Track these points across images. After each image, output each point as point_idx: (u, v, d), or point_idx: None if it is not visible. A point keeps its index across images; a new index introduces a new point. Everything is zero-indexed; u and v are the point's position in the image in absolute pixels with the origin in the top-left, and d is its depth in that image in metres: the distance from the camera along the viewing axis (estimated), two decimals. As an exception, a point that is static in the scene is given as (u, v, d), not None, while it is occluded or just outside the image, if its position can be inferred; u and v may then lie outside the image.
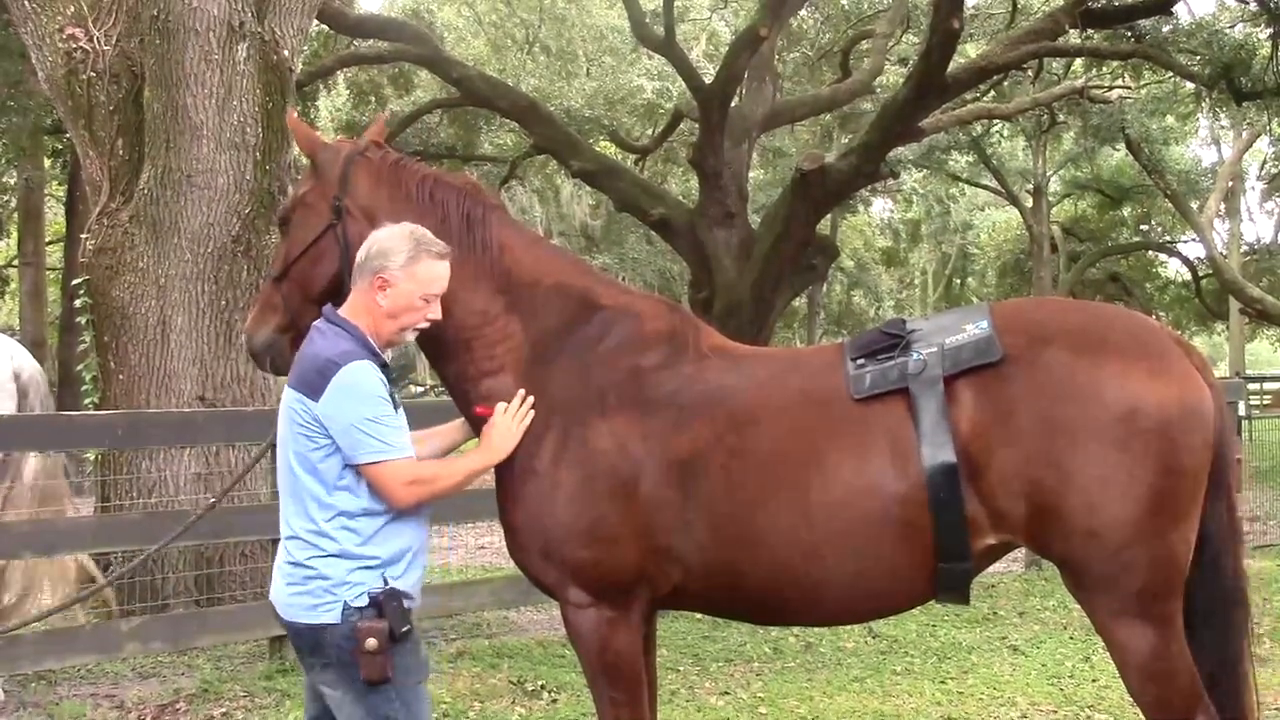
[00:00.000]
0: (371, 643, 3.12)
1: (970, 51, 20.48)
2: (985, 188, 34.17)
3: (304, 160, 3.85)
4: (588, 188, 23.69)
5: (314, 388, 3.18)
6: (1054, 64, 21.22)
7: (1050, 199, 32.94)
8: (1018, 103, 21.44)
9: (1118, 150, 28.15)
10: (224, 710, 5.98)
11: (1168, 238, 34.96)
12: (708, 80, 16.76)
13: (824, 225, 22.66)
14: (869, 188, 23.89)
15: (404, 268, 3.25)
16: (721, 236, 15.96)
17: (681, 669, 6.71)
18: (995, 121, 23.72)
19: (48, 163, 21.42)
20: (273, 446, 3.37)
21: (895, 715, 5.87)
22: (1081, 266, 33.32)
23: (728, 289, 15.49)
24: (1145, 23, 16.33)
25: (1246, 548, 10.63)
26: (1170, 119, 25.33)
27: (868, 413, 3.24)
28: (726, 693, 6.27)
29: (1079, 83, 21.62)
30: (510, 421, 3.40)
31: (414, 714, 3.25)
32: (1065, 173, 33.06)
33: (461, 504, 6.10)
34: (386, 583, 3.21)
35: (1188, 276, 33.68)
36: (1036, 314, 3.38)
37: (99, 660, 6.44)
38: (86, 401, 7.98)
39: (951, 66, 13.60)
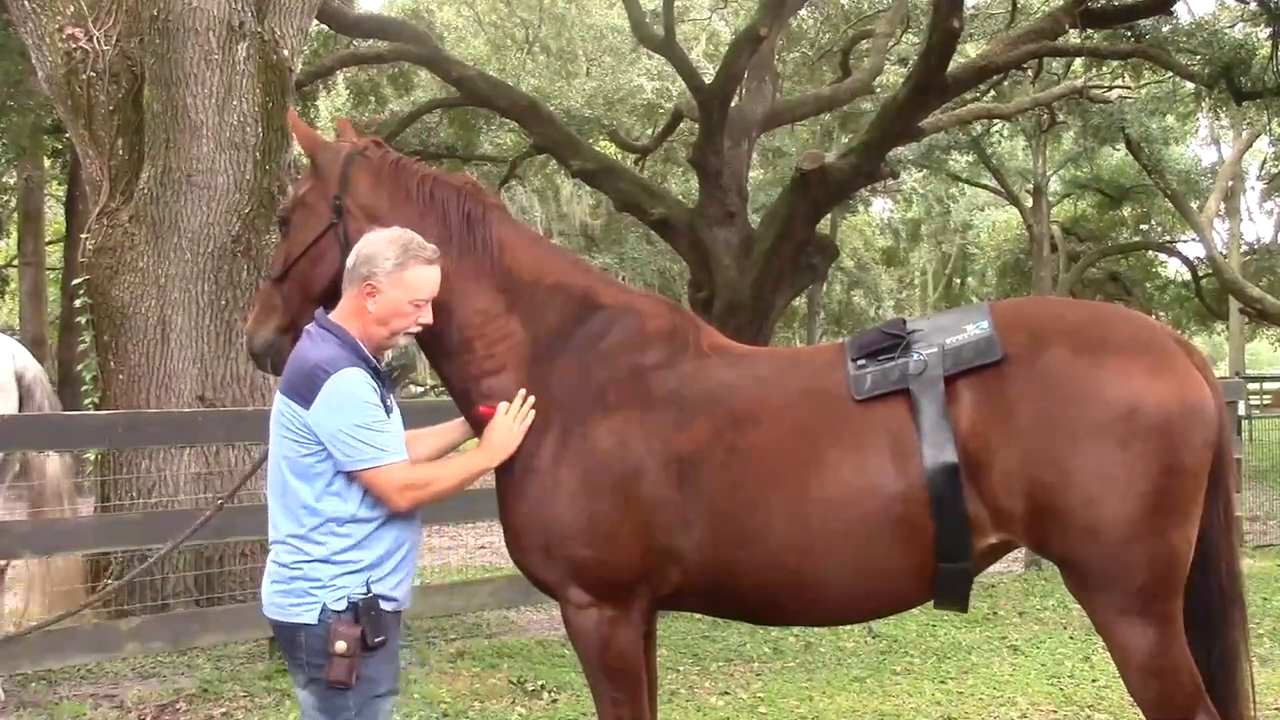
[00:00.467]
0: (341, 645, 3.14)
1: (970, 51, 20.47)
2: (985, 187, 34.16)
3: (304, 160, 3.85)
4: (588, 187, 23.67)
5: (303, 395, 3.18)
6: (1054, 64, 21.22)
7: (1050, 199, 32.92)
8: (1017, 102, 21.44)
9: (1118, 150, 28.13)
10: (224, 710, 5.98)
11: (1168, 237, 34.94)
12: (708, 80, 16.76)
13: (824, 225, 22.64)
14: (869, 187, 23.87)
15: (391, 274, 3.25)
16: (721, 236, 15.96)
17: (681, 669, 6.71)
18: (995, 121, 23.72)
19: (48, 162, 21.42)
20: (270, 449, 3.38)
21: (895, 715, 5.87)
22: (1081, 266, 33.30)
23: (728, 288, 15.49)
24: (1145, 22, 16.33)
25: (1246, 547, 10.69)
26: (1170, 119, 25.32)
27: (868, 413, 3.24)
28: (726, 692, 6.27)
29: (1079, 82, 21.65)
30: (511, 422, 3.40)
31: None
32: (1065, 172, 33.04)
33: (461, 504, 6.09)
34: (369, 588, 3.22)
35: (1188, 276, 33.66)
36: (1037, 313, 3.38)
37: (99, 660, 6.43)
38: (86, 401, 7.98)
39: (951, 66, 13.60)
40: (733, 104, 16.62)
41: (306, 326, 3.34)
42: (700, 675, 6.61)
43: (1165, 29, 16.94)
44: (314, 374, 3.18)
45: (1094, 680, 6.42)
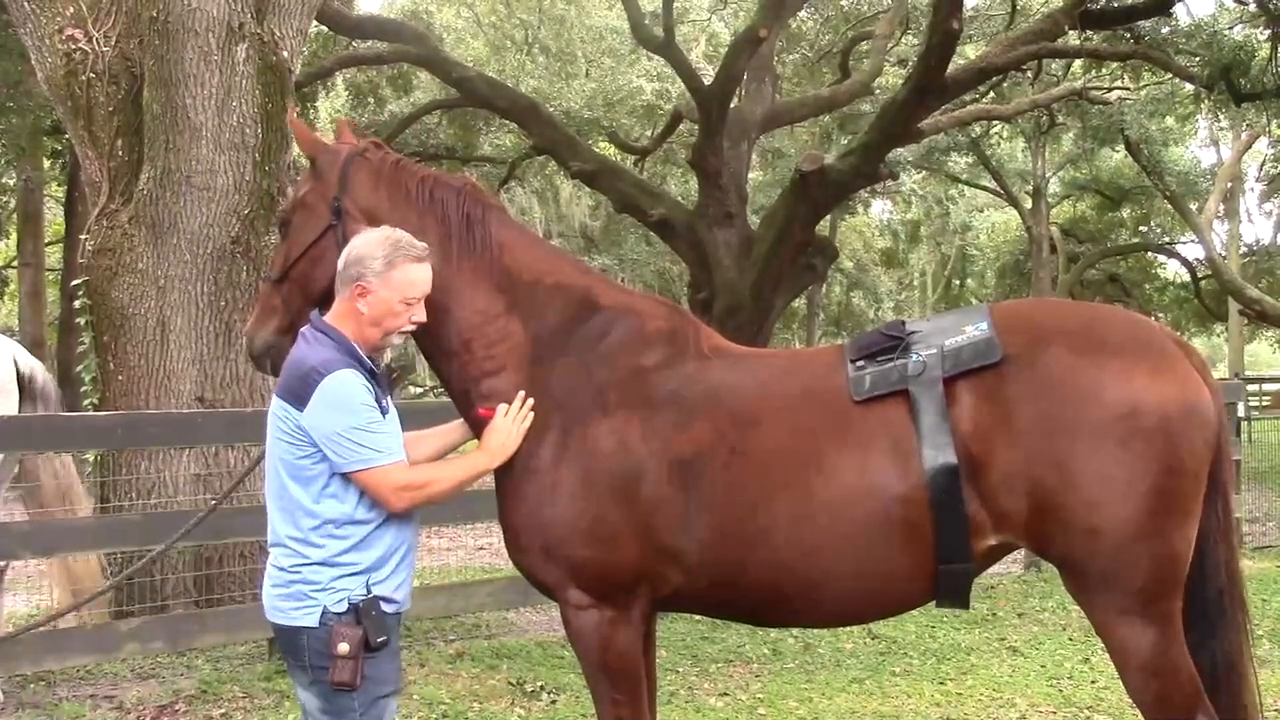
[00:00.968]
0: (344, 647, 3.14)
1: (970, 52, 20.49)
2: (984, 189, 34.17)
3: (304, 161, 3.85)
4: (587, 188, 23.66)
5: (299, 397, 3.18)
6: (1053, 65, 21.21)
7: (1049, 200, 32.94)
8: (1017, 104, 21.44)
9: (1117, 151, 28.16)
10: (223, 711, 5.98)
11: (1167, 239, 34.95)
12: (707, 81, 16.76)
13: (823, 226, 22.67)
14: (868, 189, 23.87)
15: (381, 274, 3.25)
16: (721, 237, 15.95)
17: (681, 670, 6.71)
18: (994, 123, 23.74)
19: (47, 163, 21.41)
20: (269, 450, 3.38)
21: (894, 716, 5.87)
22: (1081, 267, 33.32)
23: (727, 290, 15.48)
24: (1144, 24, 16.34)
25: (1246, 549, 10.69)
26: (1169, 120, 25.32)
27: (868, 414, 3.25)
28: (725, 694, 6.27)
29: (1078, 84, 21.66)
30: (510, 424, 3.40)
31: None
32: (1064, 174, 33.06)
33: (461, 505, 6.08)
34: (369, 589, 3.22)
35: (1187, 278, 33.68)
36: (1036, 315, 3.38)
37: (98, 661, 6.43)
38: (86, 402, 7.97)
39: (951, 67, 13.60)
40: (732, 105, 16.62)
41: (302, 329, 3.34)
42: (700, 676, 6.61)
43: (1164, 30, 16.94)
44: (309, 376, 3.18)
45: (1093, 681, 6.42)
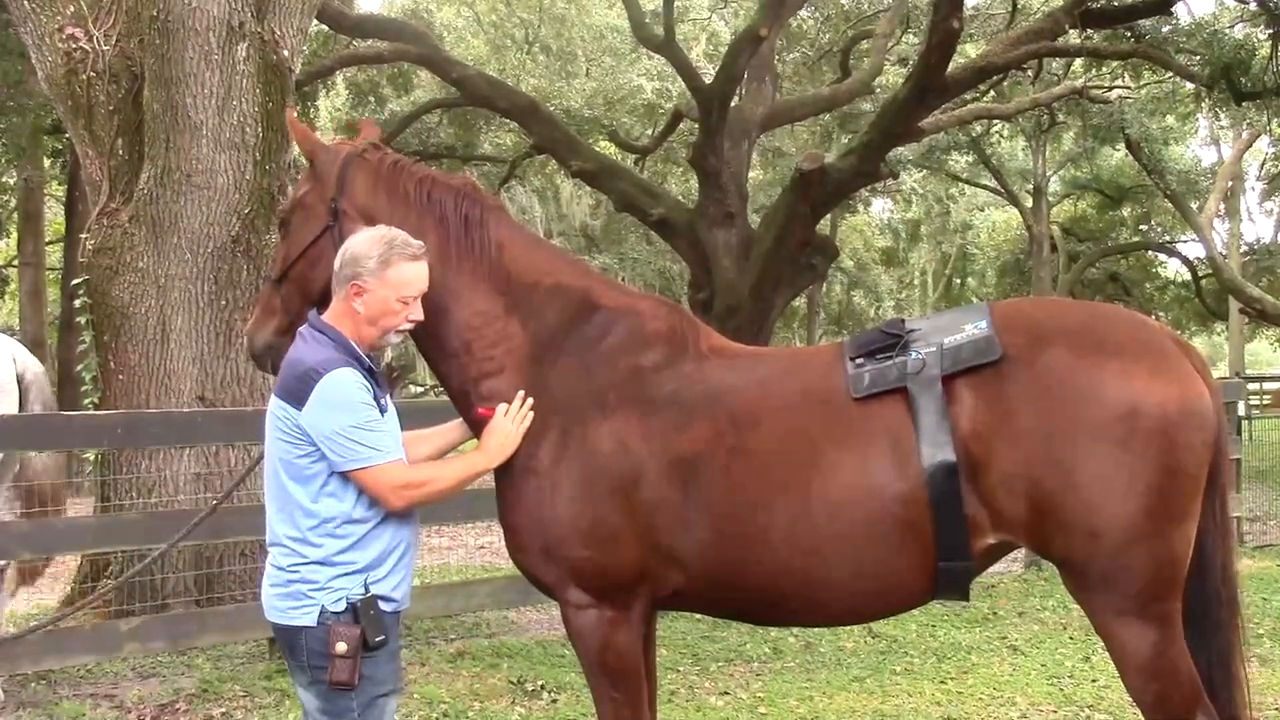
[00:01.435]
0: (342, 646, 3.14)
1: (970, 51, 20.49)
2: (985, 188, 34.16)
3: (304, 160, 3.85)
4: (588, 188, 23.68)
5: (297, 396, 3.18)
6: (1054, 64, 21.22)
7: (1050, 199, 32.92)
8: (1017, 103, 21.44)
9: (1117, 150, 28.14)
10: (223, 710, 5.98)
11: (1167, 238, 34.93)
12: (707, 80, 16.76)
13: (824, 225, 22.63)
14: (869, 188, 23.87)
15: (376, 273, 3.24)
16: (721, 236, 15.96)
17: (681, 669, 6.71)
18: (995, 121, 23.73)
19: (47, 163, 21.42)
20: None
21: (895, 715, 5.87)
22: (1081, 266, 33.31)
23: (728, 289, 15.49)
24: (1145, 23, 16.34)
25: (1246, 548, 10.69)
26: (1170, 119, 25.32)
27: (867, 412, 3.24)
28: (726, 693, 6.27)
29: (1079, 83, 21.64)
30: (510, 425, 3.39)
31: None
32: (1065, 173, 33.05)
33: (461, 504, 6.09)
34: (368, 589, 3.22)
35: (1187, 276, 33.67)
36: (1036, 314, 3.37)
37: (98, 660, 6.44)
38: (86, 401, 7.97)
39: (951, 66, 13.60)
40: (732, 104, 16.63)
41: (300, 329, 3.34)
42: (700, 675, 6.61)
43: (1165, 29, 16.94)
44: (307, 375, 3.17)
45: (1094, 680, 6.42)
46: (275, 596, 3.27)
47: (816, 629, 7.16)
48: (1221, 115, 22.88)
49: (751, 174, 21.14)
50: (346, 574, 3.21)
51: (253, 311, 3.73)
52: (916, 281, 47.72)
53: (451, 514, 7.50)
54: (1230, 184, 31.68)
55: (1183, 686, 3.14)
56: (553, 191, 31.37)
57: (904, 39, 20.65)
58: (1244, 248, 35.27)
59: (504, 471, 3.44)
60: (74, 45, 8.01)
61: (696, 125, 17.48)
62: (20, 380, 6.24)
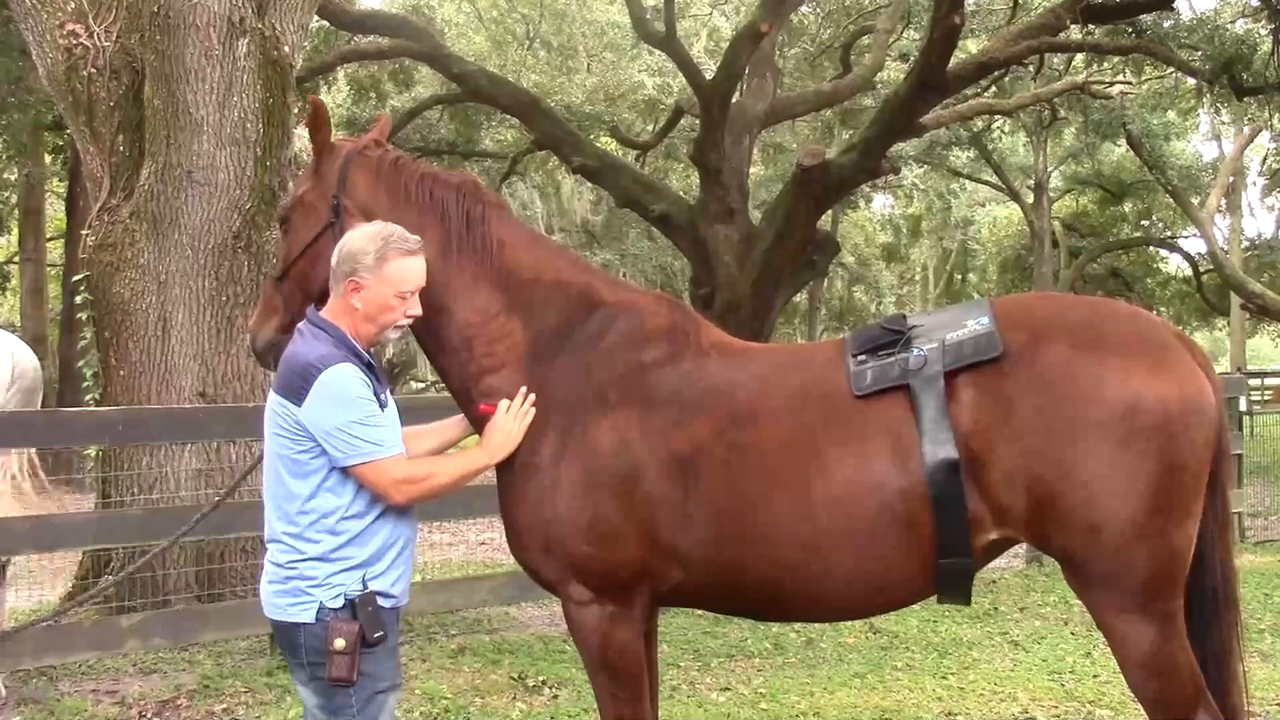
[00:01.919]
0: (340, 643, 3.13)
1: (971, 47, 20.44)
2: (986, 183, 34.17)
3: (305, 157, 3.84)
4: (589, 184, 23.67)
5: (296, 392, 3.18)
6: (1055, 59, 21.20)
7: (1051, 194, 32.94)
8: (1018, 98, 21.42)
9: (1119, 146, 28.13)
10: (225, 706, 5.99)
11: (1169, 233, 34.93)
12: (709, 76, 16.75)
13: (825, 221, 22.62)
14: (870, 183, 23.82)
15: (373, 269, 3.24)
16: (722, 232, 15.95)
17: (682, 665, 6.71)
18: (996, 117, 23.73)
19: (48, 159, 21.42)
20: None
21: (896, 710, 5.88)
22: (1082, 262, 33.30)
23: (729, 285, 15.48)
24: (1146, 18, 16.32)
25: (1248, 543, 10.68)
26: (1171, 114, 25.33)
27: (869, 409, 3.24)
28: (727, 688, 6.27)
29: (1080, 78, 21.61)
30: (511, 421, 3.39)
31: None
32: (1066, 168, 33.04)
33: (462, 500, 6.09)
34: (366, 585, 3.22)
35: (1189, 272, 33.67)
36: (1038, 310, 3.36)
37: (100, 656, 6.45)
38: (87, 398, 7.98)
39: (952, 62, 13.58)
40: (733, 100, 16.61)
41: (299, 325, 3.34)
42: (701, 671, 6.61)
43: (1166, 24, 16.92)
44: (306, 371, 3.17)
45: (1095, 676, 6.42)
46: (274, 593, 3.27)
47: (817, 624, 7.16)
48: (1223, 110, 22.86)
49: (753, 170, 21.14)
50: (344, 570, 3.21)
51: (255, 308, 3.72)
52: (917, 277, 47.75)
53: (453, 510, 7.51)
54: (1231, 179, 31.68)
55: (1184, 683, 3.13)
56: (554, 187, 31.38)
57: (905, 34, 20.63)
58: (1245, 243, 35.26)
59: (505, 468, 3.44)
60: (75, 41, 8.01)
61: (697, 121, 17.46)
62: (13, 370, 6.22)
